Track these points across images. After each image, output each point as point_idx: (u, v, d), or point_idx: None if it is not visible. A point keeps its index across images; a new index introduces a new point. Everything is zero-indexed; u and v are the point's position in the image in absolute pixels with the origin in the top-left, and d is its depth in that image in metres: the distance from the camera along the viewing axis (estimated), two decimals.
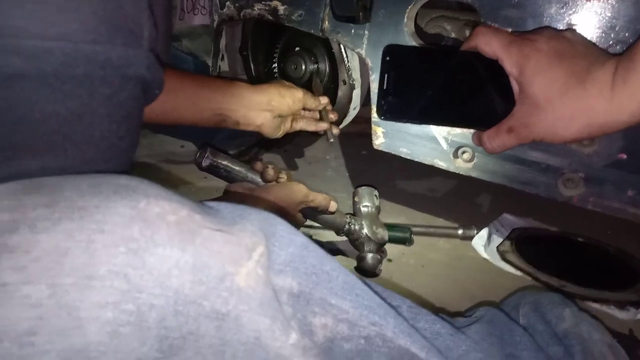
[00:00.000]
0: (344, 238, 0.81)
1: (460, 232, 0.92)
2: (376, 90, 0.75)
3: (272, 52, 0.96)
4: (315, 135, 0.99)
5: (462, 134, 0.71)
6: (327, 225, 0.78)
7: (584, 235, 0.93)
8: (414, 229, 0.91)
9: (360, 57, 0.76)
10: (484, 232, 0.91)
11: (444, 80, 0.65)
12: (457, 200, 1.09)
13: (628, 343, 0.51)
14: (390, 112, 0.66)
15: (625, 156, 0.63)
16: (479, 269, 0.84)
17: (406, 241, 0.88)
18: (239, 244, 0.35)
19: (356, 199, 0.83)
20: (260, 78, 0.98)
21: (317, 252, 0.40)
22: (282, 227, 0.40)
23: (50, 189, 0.32)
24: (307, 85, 0.92)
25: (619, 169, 0.64)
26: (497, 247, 0.88)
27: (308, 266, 0.39)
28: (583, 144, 0.66)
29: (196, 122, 0.78)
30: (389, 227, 0.89)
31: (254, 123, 0.79)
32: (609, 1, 0.60)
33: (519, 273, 0.82)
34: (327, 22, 0.76)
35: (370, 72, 0.75)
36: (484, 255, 0.87)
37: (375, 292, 0.42)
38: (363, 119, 0.90)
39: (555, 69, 0.54)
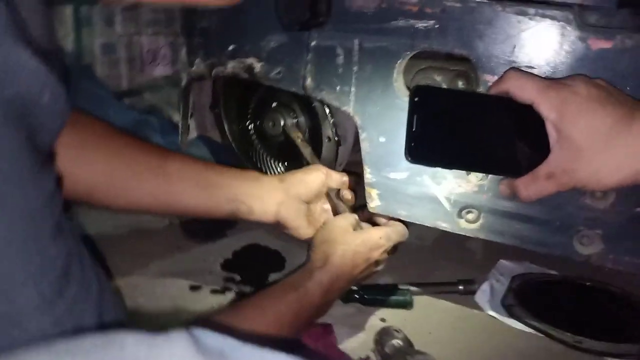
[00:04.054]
0: None
1: (460, 287, 0.86)
2: (368, 150, 0.69)
3: (246, 107, 0.89)
4: None
5: (465, 193, 0.66)
6: None
7: (589, 278, 0.89)
8: (412, 289, 0.85)
9: (348, 115, 0.71)
10: (486, 286, 0.86)
11: (475, 125, 0.61)
12: (448, 246, 1.04)
13: None
14: (419, 155, 0.62)
15: None
16: (488, 329, 0.78)
17: (407, 304, 0.81)
18: None
19: (379, 347, 0.71)
20: (235, 137, 0.91)
21: None
22: None
23: None
24: (285, 144, 0.85)
25: (638, 223, 0.60)
26: (502, 301, 0.82)
27: None
28: (596, 196, 0.62)
29: (205, 210, 0.71)
30: (386, 291, 0.83)
31: (270, 210, 0.73)
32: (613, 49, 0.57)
33: (530, 330, 0.77)
34: (309, 80, 0.71)
35: (360, 131, 0.69)
36: (490, 312, 0.81)
37: None
38: None
39: (598, 114, 0.53)
